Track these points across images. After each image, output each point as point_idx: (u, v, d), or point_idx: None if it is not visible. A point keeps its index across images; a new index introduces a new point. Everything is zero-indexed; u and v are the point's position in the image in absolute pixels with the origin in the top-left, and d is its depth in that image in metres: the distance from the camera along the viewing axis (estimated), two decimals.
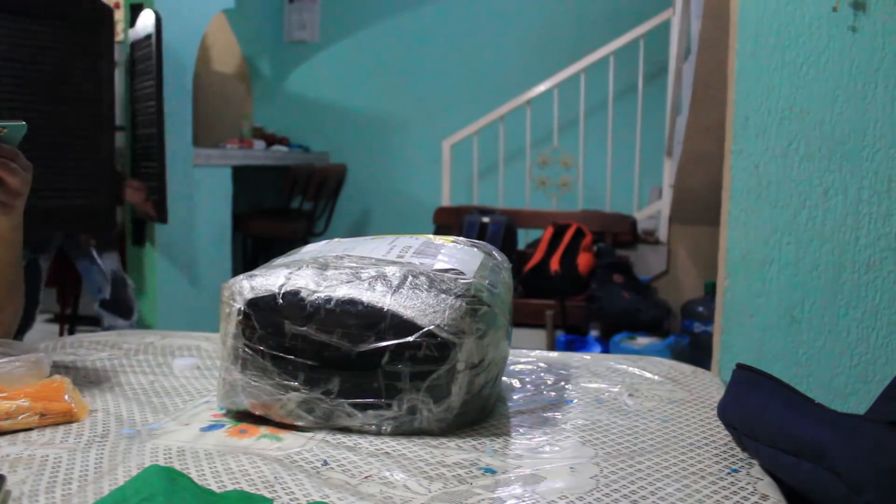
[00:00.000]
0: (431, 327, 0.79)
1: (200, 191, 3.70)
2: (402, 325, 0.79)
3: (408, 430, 0.82)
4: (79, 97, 2.87)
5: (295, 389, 0.82)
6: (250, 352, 0.83)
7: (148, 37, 3.11)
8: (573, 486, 0.70)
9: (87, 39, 2.89)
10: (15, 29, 2.73)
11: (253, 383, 0.83)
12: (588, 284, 3.51)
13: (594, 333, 3.43)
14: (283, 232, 4.55)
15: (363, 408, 0.81)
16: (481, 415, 0.87)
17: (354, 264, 0.86)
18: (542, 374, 1.06)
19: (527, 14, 4.86)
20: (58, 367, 1.06)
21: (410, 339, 0.79)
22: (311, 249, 0.99)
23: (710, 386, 1.03)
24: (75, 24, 2.87)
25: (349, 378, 0.81)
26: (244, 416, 0.87)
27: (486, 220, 3.73)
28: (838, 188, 1.46)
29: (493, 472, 0.73)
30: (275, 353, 0.82)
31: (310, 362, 0.81)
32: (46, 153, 2.75)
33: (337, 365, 0.81)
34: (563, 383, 1.02)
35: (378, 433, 0.82)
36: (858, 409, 1.41)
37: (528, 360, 1.14)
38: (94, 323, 4.16)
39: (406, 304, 0.80)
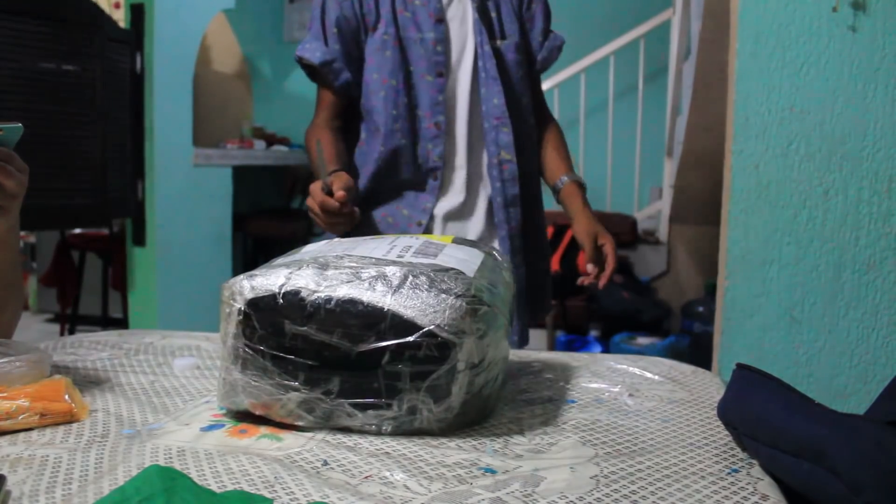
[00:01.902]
0: (432, 327, 0.79)
1: (200, 191, 3.70)
2: (403, 325, 0.79)
3: (408, 431, 0.82)
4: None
5: (295, 389, 0.82)
6: (250, 352, 0.83)
7: None
8: (573, 486, 0.70)
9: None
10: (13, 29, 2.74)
11: (253, 383, 0.83)
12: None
13: (594, 333, 3.44)
14: (284, 232, 4.56)
15: (363, 408, 0.81)
16: (481, 415, 0.87)
17: (355, 264, 0.86)
18: (543, 374, 1.07)
19: None
20: (58, 367, 1.06)
21: (411, 338, 0.79)
22: (312, 249, 0.99)
23: (710, 386, 1.03)
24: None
25: (349, 378, 0.81)
26: (244, 417, 0.87)
27: None
28: (838, 188, 1.46)
29: (493, 472, 0.73)
30: (275, 352, 0.82)
31: (310, 362, 0.81)
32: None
33: (337, 365, 0.81)
34: (563, 383, 1.02)
35: (378, 433, 0.82)
36: (858, 409, 1.41)
37: (528, 359, 1.14)
38: (95, 323, 4.17)
39: (406, 304, 0.80)
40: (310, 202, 1.25)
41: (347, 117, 1.50)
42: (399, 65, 1.43)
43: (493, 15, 1.48)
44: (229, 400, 0.86)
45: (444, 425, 0.82)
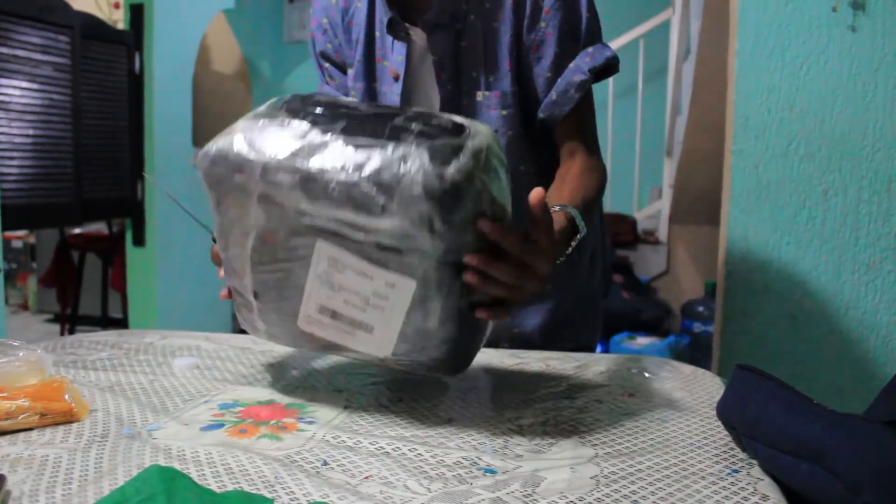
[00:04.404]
0: (455, 118, 0.79)
1: (200, 191, 3.69)
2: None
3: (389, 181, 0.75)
4: None
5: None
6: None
7: None
8: (573, 487, 0.70)
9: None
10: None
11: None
12: None
13: None
14: None
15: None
16: (472, 339, 0.86)
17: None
18: (542, 374, 1.07)
19: None
20: (58, 367, 1.06)
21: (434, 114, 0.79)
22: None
23: (710, 386, 1.03)
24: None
25: (358, 122, 0.79)
26: (244, 417, 0.87)
27: None
28: (838, 188, 1.46)
29: (493, 472, 0.73)
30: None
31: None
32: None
33: (354, 116, 0.80)
34: (562, 383, 1.02)
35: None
36: (858, 410, 1.41)
37: (527, 359, 1.14)
38: (94, 323, 4.17)
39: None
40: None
41: None
42: None
43: (482, 56, 1.14)
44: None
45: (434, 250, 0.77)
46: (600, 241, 1.34)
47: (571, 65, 1.14)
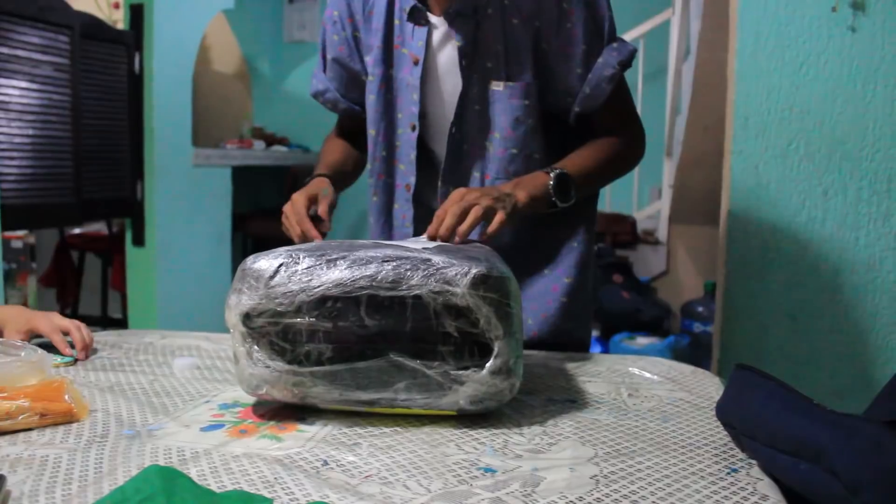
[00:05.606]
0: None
1: (200, 191, 3.69)
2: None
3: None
4: None
5: None
6: None
7: None
8: (573, 486, 0.70)
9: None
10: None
11: None
12: None
13: (594, 333, 3.43)
14: (283, 232, 4.55)
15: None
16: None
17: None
18: (542, 374, 1.07)
19: None
20: (58, 367, 1.06)
21: None
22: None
23: (709, 386, 1.03)
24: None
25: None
26: (244, 417, 0.87)
27: None
28: (838, 188, 1.46)
29: (492, 471, 0.73)
30: None
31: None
32: None
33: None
34: (562, 383, 1.02)
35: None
36: (858, 410, 1.41)
37: (527, 359, 1.14)
38: (94, 323, 4.17)
39: None
40: (288, 211, 1.17)
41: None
42: (382, 113, 1.29)
43: (500, 48, 1.19)
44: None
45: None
46: (594, 235, 1.40)
47: (600, 60, 1.21)
